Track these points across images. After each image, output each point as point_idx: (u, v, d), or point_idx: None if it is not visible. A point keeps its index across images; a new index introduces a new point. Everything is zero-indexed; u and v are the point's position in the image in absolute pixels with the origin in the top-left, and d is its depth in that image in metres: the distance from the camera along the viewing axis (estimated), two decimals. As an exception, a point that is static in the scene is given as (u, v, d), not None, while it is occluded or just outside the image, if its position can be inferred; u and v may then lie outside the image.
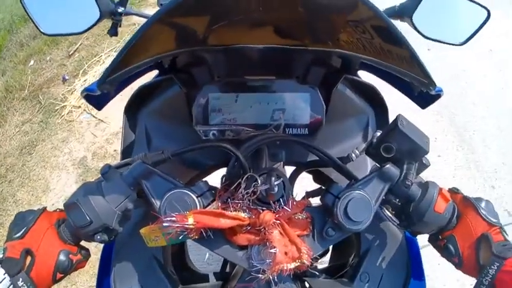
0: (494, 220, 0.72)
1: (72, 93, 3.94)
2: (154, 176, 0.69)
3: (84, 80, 4.06)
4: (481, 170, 3.40)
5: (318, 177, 1.03)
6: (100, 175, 0.71)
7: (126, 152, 0.95)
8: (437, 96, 0.87)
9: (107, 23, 1.11)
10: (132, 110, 0.95)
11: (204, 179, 1.00)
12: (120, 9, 1.06)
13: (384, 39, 0.62)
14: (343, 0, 0.58)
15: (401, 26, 0.75)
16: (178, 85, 0.85)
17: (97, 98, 0.81)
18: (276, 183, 0.70)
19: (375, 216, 0.78)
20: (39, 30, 1.04)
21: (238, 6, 0.61)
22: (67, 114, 3.69)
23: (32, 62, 4.63)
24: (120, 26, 1.11)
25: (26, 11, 1.01)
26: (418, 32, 1.10)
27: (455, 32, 1.16)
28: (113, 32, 1.11)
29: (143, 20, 0.70)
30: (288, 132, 0.87)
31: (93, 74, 4.12)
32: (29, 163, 3.29)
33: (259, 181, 0.69)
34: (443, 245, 0.74)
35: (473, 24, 1.13)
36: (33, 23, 1.03)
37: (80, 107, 3.73)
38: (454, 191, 0.80)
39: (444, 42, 1.16)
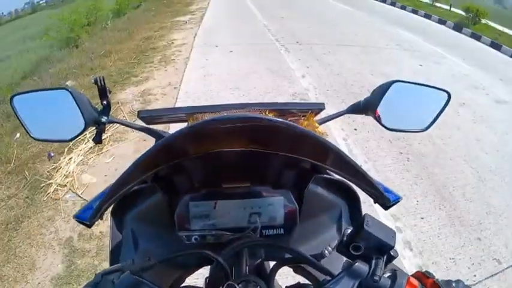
0: None
1: (57, 171, 3.97)
2: (143, 286, 0.72)
3: (70, 158, 4.11)
4: (465, 224, 3.45)
5: (297, 269, 1.03)
6: (93, 277, 0.74)
7: (115, 252, 0.98)
8: (396, 201, 0.93)
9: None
10: (117, 213, 0.98)
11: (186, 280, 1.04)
12: (104, 119, 1.11)
13: (336, 158, 0.70)
14: (286, 136, 0.68)
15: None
16: (160, 193, 0.90)
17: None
18: None
19: None
20: (29, 135, 1.08)
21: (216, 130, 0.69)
22: (53, 192, 3.69)
23: (18, 135, 4.70)
24: (104, 133, 1.17)
25: (16, 115, 1.06)
26: (382, 125, 1.16)
27: (418, 118, 1.19)
28: (97, 139, 1.15)
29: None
30: (264, 233, 0.91)
31: (78, 153, 4.19)
32: (15, 239, 3.21)
33: None
34: None
35: (436, 107, 1.16)
36: (24, 127, 1.07)
37: (65, 185, 3.75)
38: (426, 275, 0.79)
39: (408, 131, 1.22)
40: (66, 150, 4.23)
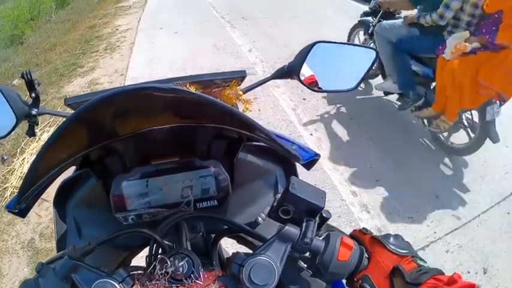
0: (403, 251, 0.74)
1: (12, 173, 3.88)
2: (81, 268, 0.74)
3: (23, 159, 4.02)
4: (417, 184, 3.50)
5: (239, 240, 1.05)
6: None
7: (61, 242, 0.99)
8: (315, 160, 0.95)
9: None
10: (59, 203, 0.98)
11: (133, 260, 1.06)
12: (34, 111, 1.11)
13: (241, 123, 0.72)
14: (185, 99, 0.67)
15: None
16: (94, 177, 0.90)
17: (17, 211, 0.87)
18: (180, 263, 0.75)
19: (295, 269, 0.85)
20: None
21: (134, 105, 0.70)
22: (10, 196, 3.61)
23: (-30, 144, 4.51)
24: (37, 125, 1.16)
25: None
26: (309, 88, 1.16)
27: (346, 77, 1.20)
28: (31, 132, 1.16)
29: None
30: (198, 206, 0.92)
31: (31, 152, 4.09)
32: None
33: (168, 263, 0.74)
34: (360, 286, 0.76)
35: (363, 66, 1.18)
36: None
37: (21, 187, 3.65)
38: (363, 232, 0.83)
39: (336, 91, 1.25)
40: (18, 151, 4.13)
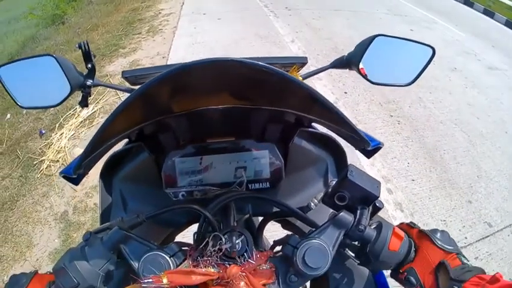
0: (450, 247, 0.75)
1: (49, 147, 3.96)
2: (131, 240, 0.74)
3: (61, 134, 4.09)
4: (456, 187, 3.49)
5: (285, 224, 1.07)
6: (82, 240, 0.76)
7: (105, 214, 1.00)
8: (378, 148, 0.93)
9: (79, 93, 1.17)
10: (106, 175, 0.99)
11: (177, 237, 1.06)
12: (89, 82, 1.12)
13: (317, 104, 0.70)
14: (272, 78, 0.65)
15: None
16: (147, 151, 0.91)
17: (74, 177, 0.86)
18: (237, 241, 0.76)
19: (340, 257, 0.86)
20: (17, 104, 1.09)
21: (198, 80, 0.68)
22: (46, 168, 3.69)
23: (8, 116, 4.66)
24: (90, 97, 1.17)
25: (3, 85, 1.07)
26: (366, 79, 1.16)
27: (403, 73, 1.20)
28: (84, 103, 1.16)
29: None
30: (250, 188, 0.93)
31: (69, 128, 4.17)
32: (11, 219, 3.23)
33: (223, 239, 0.75)
34: (405, 278, 0.77)
35: (420, 63, 1.17)
36: (11, 96, 1.08)
37: (58, 161, 3.80)
38: (411, 226, 0.84)
39: (392, 85, 1.22)
40: (57, 126, 4.21)
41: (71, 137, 4.08)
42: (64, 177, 0.88)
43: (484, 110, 4.84)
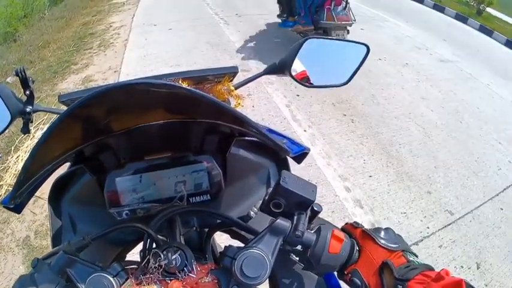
0: (394, 246, 0.75)
1: (6, 171, 3.85)
2: (76, 263, 0.75)
3: (17, 157, 3.99)
4: (414, 179, 3.56)
5: (233, 234, 1.06)
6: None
7: (56, 238, 1.00)
8: (304, 154, 0.96)
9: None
10: (54, 199, 0.99)
11: (128, 255, 1.08)
12: (28, 109, 1.13)
13: (233, 117, 0.70)
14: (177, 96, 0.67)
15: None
16: (88, 173, 0.91)
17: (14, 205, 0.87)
18: (173, 256, 0.76)
19: (288, 262, 0.88)
20: None
21: (127, 100, 0.70)
22: (4, 193, 3.57)
23: (-39, 143, 4.48)
24: (31, 122, 1.17)
25: None
26: (301, 83, 1.17)
27: (339, 73, 1.21)
28: (25, 130, 1.16)
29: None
30: (192, 201, 0.93)
31: (25, 150, 4.07)
32: None
33: (162, 256, 0.75)
34: (350, 279, 0.77)
35: (355, 61, 1.19)
36: None
37: (15, 185, 3.61)
38: (354, 226, 0.84)
39: (328, 86, 1.24)
40: (13, 149, 4.10)
41: (28, 160, 3.94)
42: (5, 207, 0.88)
43: (438, 102, 4.97)
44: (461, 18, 9.67)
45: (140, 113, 0.80)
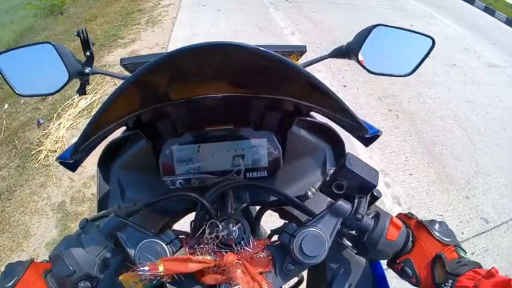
0: (447, 240, 0.75)
1: (47, 137, 3.94)
2: (128, 227, 0.74)
3: (59, 124, 4.07)
4: (453, 182, 3.50)
5: (283, 214, 1.07)
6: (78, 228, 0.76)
7: (102, 202, 1.00)
8: (376, 136, 0.94)
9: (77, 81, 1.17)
10: (104, 164, 1.00)
11: (174, 226, 1.06)
12: (87, 70, 1.12)
13: (316, 91, 0.69)
14: (268, 63, 0.65)
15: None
16: (144, 139, 0.91)
17: (71, 163, 0.87)
18: (234, 228, 0.76)
19: (337, 247, 0.85)
20: (14, 92, 1.09)
21: (196, 66, 0.68)
22: (43, 158, 3.68)
23: (6, 106, 4.64)
24: (88, 84, 1.17)
25: (2, 74, 1.07)
26: (365, 68, 1.15)
27: (402, 63, 1.20)
28: (81, 91, 1.17)
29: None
30: (248, 176, 0.93)
31: (67, 118, 4.15)
32: (8, 209, 3.21)
33: (220, 227, 0.75)
34: (401, 268, 0.77)
35: (419, 53, 1.17)
36: (8, 84, 1.08)
37: (55, 151, 3.78)
38: (409, 216, 0.84)
39: (390, 75, 1.23)
40: (55, 116, 4.19)
41: (69, 127, 4.05)
42: (61, 163, 0.88)
43: (483, 107, 4.84)
44: (512, 23, 9.35)
45: (202, 83, 0.79)
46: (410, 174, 3.50)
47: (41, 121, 4.19)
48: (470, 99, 4.96)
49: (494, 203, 3.33)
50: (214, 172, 0.91)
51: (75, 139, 3.75)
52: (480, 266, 0.69)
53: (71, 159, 0.76)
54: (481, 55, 6.63)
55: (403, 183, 3.38)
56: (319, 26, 6.90)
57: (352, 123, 0.76)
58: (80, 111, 4.24)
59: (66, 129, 4.02)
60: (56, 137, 3.92)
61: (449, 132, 4.19)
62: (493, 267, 0.65)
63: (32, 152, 3.77)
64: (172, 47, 5.69)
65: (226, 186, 0.85)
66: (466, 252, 0.74)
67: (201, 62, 0.67)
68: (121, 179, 0.99)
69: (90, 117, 0.64)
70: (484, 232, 3.03)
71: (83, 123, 4.10)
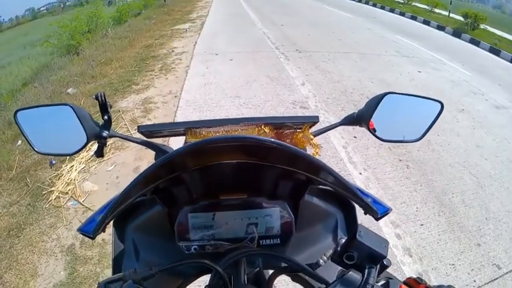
0: None
1: (59, 178, 3.97)
2: None
3: (71, 166, 4.12)
4: (464, 230, 3.46)
5: (295, 277, 1.05)
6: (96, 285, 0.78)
7: (117, 261, 1.01)
8: (386, 213, 0.97)
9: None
10: (119, 224, 1.02)
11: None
12: (105, 133, 1.14)
13: (328, 175, 0.73)
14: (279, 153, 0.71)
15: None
16: (160, 204, 0.92)
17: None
18: None
19: None
20: (33, 149, 1.10)
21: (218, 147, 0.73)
22: (54, 199, 3.69)
23: (19, 142, 4.72)
24: (106, 147, 1.20)
25: (20, 130, 1.09)
26: (376, 136, 1.18)
27: (412, 128, 1.22)
28: (99, 153, 1.19)
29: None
30: (261, 243, 0.93)
31: (80, 161, 4.20)
32: (17, 246, 3.20)
33: None
34: None
35: (429, 118, 1.19)
36: (27, 140, 1.10)
37: (67, 193, 3.80)
38: (417, 281, 0.82)
39: (401, 142, 1.25)
40: (67, 158, 4.22)
41: (81, 170, 4.10)
42: (81, 233, 0.92)
43: (492, 151, 4.85)
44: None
45: (220, 153, 0.83)
46: (421, 225, 3.47)
47: (54, 161, 4.25)
48: (479, 144, 4.98)
49: (506, 247, 3.29)
50: (228, 239, 0.92)
51: (86, 183, 3.85)
52: None
53: (94, 236, 0.79)
54: (488, 97, 6.71)
55: (414, 234, 3.35)
56: (329, 75, 7.02)
57: (361, 203, 0.79)
58: (92, 155, 4.26)
59: (78, 172, 4.06)
60: (68, 179, 3.95)
61: (459, 179, 4.19)
62: None
63: (43, 192, 3.79)
64: (186, 96, 5.88)
65: (241, 254, 0.87)
66: None
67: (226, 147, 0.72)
68: (136, 240, 1.01)
69: (117, 195, 0.69)
70: (497, 278, 2.98)
71: (95, 167, 4.16)
